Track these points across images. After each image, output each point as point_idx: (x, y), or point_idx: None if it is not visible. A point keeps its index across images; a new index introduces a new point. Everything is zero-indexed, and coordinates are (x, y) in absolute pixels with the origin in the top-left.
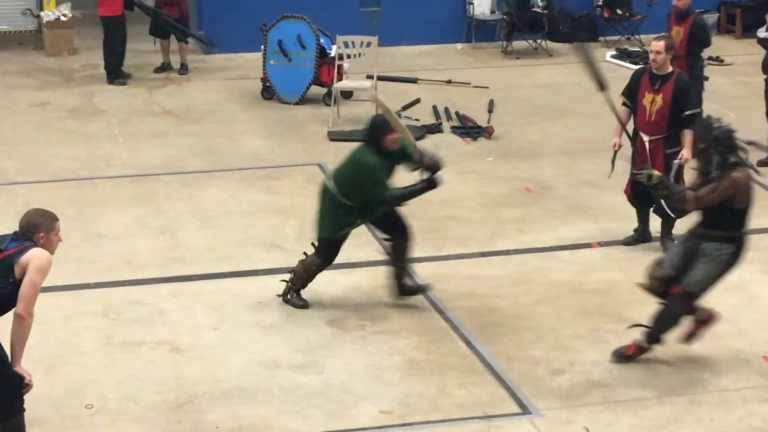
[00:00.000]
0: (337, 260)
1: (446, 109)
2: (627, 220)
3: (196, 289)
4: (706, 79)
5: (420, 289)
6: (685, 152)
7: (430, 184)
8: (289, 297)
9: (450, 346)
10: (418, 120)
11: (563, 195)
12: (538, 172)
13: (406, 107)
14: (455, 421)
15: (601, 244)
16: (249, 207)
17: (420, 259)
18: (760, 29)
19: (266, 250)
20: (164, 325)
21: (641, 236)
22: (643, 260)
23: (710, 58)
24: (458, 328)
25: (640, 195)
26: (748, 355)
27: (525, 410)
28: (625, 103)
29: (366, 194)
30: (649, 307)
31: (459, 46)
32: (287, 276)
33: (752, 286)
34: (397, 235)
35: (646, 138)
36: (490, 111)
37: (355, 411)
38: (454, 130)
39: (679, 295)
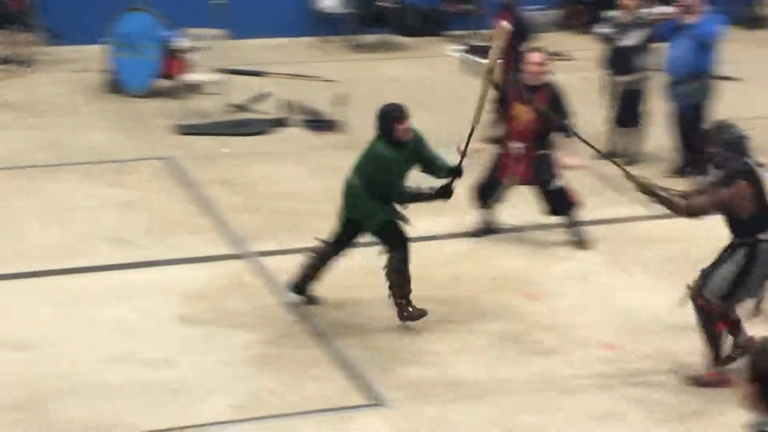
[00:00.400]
0: (187, 254)
1: (295, 103)
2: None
3: (42, 285)
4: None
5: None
6: (567, 159)
7: (443, 194)
8: (406, 315)
9: (301, 339)
10: (267, 113)
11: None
12: None
13: (254, 100)
14: (306, 414)
15: (451, 236)
16: (95, 201)
17: (270, 253)
18: (597, 25)
19: (114, 245)
20: (9, 322)
21: (487, 227)
22: (492, 250)
23: (552, 54)
24: (308, 321)
25: (487, 190)
26: (590, 341)
27: (375, 401)
28: (495, 110)
29: (381, 187)
30: (499, 295)
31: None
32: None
33: (596, 276)
34: (394, 247)
35: (516, 146)
36: (338, 105)
37: (205, 405)
38: (302, 123)
39: (698, 307)
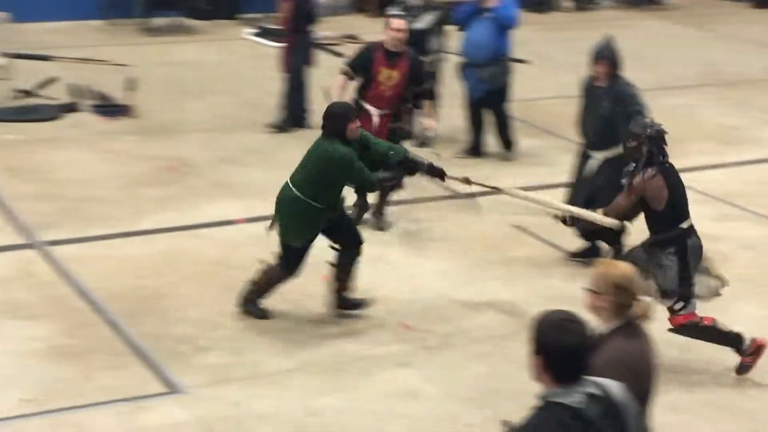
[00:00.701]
0: None
1: (84, 88)
2: (270, 197)
3: None
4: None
5: (359, 305)
6: (426, 121)
7: (412, 167)
8: (247, 307)
9: (94, 329)
10: (55, 99)
11: (206, 173)
12: (181, 151)
13: (40, 86)
14: (100, 405)
15: (247, 221)
16: None
17: (61, 242)
18: (389, 8)
19: None
20: None
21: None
22: None
23: (344, 37)
24: (102, 310)
25: None
26: (387, 322)
27: (172, 389)
28: (347, 73)
29: (340, 187)
30: (296, 278)
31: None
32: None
33: (391, 257)
34: (348, 245)
35: (375, 112)
36: (129, 89)
37: None
38: (92, 108)
39: (680, 327)
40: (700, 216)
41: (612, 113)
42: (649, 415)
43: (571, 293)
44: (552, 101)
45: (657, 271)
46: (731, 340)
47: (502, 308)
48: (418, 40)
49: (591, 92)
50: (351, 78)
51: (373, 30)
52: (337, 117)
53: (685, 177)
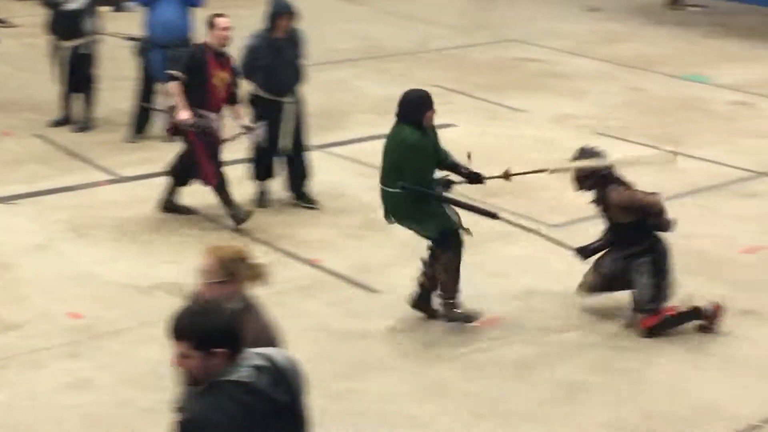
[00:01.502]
0: None
1: None
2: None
3: None
4: None
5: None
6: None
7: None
8: (452, 316)
9: None
10: None
11: None
12: None
13: None
14: None
15: None
16: None
17: None
18: None
19: None
20: None
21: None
22: None
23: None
24: None
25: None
26: (54, 313)
27: None
28: (179, 79)
29: (408, 178)
30: None
31: None
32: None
33: (57, 244)
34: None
35: (214, 117)
36: None
37: None
38: None
39: (649, 329)
40: (363, 187)
41: (295, 58)
42: None
43: None
44: None
45: (636, 281)
46: (694, 315)
47: (172, 290)
48: (69, 21)
49: (273, 45)
50: (185, 84)
51: (23, 13)
52: (415, 103)
53: (348, 149)
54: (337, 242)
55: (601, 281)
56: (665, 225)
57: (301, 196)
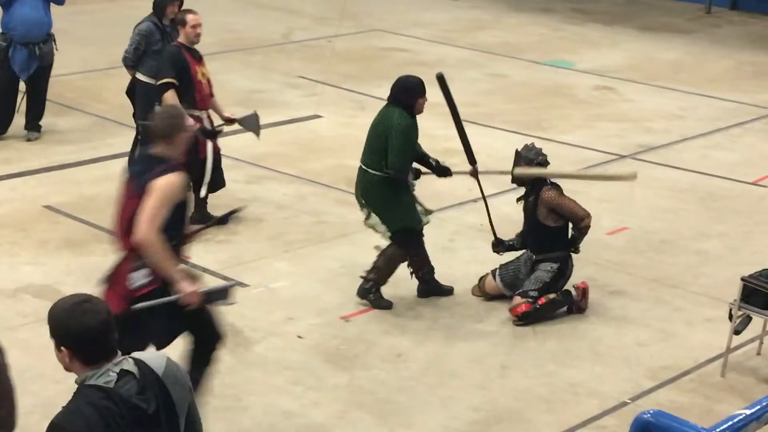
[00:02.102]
0: None
1: None
2: None
3: None
4: None
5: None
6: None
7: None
8: (372, 297)
9: None
10: None
11: None
12: None
13: None
14: None
15: None
16: None
17: None
18: None
19: None
20: None
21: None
22: None
23: None
24: None
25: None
26: None
27: None
28: (175, 86)
29: (392, 160)
30: None
31: None
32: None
33: None
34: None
35: (204, 115)
36: None
37: None
38: None
39: (525, 313)
40: (231, 180)
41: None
42: None
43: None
44: (75, 76)
45: (534, 276)
46: (564, 300)
47: (39, 292)
48: None
49: (163, 33)
50: (178, 88)
51: None
52: (409, 89)
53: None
54: (205, 237)
55: (499, 288)
56: (578, 241)
57: None
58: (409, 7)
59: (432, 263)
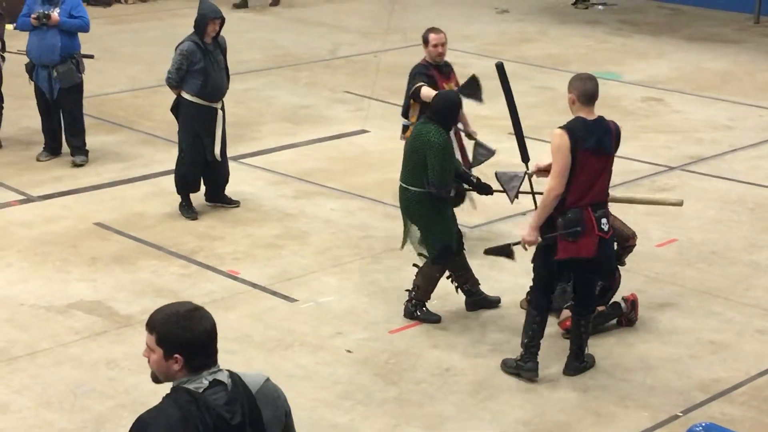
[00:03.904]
0: None
1: None
2: None
3: None
4: None
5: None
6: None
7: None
8: (418, 314)
9: None
10: None
11: None
12: None
13: None
14: None
15: None
16: None
17: None
18: None
19: None
20: None
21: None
22: None
23: None
24: None
25: None
26: None
27: None
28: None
29: (432, 177)
30: None
31: None
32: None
33: None
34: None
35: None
36: None
37: None
38: None
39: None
40: (279, 196)
41: (225, 63)
42: None
43: (159, 285)
44: (124, 95)
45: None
46: (614, 312)
47: (90, 308)
48: None
49: (205, 51)
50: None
51: None
52: (451, 106)
53: (262, 159)
54: (254, 253)
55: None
56: (622, 258)
57: (222, 198)
58: (454, 21)
59: (476, 276)
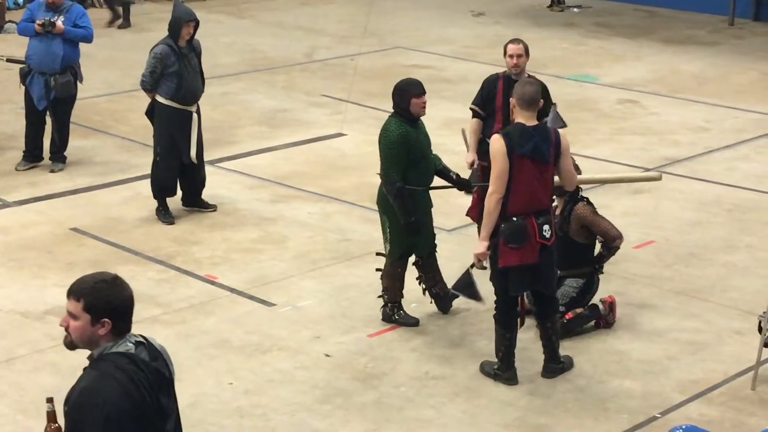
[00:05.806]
0: None
1: None
2: None
3: None
4: None
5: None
6: None
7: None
8: (396, 317)
9: None
10: None
11: None
12: None
13: None
14: None
15: None
16: None
17: None
18: None
19: None
20: None
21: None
22: None
23: None
24: None
25: None
26: None
27: None
28: (477, 114)
29: (384, 170)
30: None
31: None
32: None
33: None
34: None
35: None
36: None
37: None
38: None
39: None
40: (256, 200)
41: (200, 66)
42: None
43: (136, 290)
44: (100, 99)
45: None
46: (592, 315)
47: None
48: None
49: (179, 54)
50: (481, 117)
51: None
52: (400, 92)
53: (239, 163)
54: (232, 257)
55: (526, 304)
56: (604, 260)
57: (199, 202)
58: (431, 24)
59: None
